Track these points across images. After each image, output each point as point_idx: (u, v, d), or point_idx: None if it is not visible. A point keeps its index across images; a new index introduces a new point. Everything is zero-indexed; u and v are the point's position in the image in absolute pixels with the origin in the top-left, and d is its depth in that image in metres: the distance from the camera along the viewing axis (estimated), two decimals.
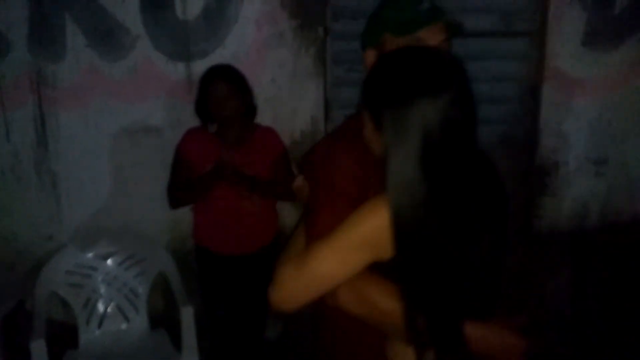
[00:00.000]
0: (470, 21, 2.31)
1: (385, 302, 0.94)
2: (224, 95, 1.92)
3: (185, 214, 2.14)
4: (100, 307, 2.19)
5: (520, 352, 0.95)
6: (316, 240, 0.95)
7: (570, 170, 2.60)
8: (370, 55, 1.14)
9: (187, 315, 2.02)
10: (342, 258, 0.92)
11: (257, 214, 2.02)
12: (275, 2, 2.27)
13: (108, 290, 2.20)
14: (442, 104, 0.86)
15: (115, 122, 2.22)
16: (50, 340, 1.92)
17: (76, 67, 2.15)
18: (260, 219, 2.04)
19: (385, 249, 0.91)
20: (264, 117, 2.33)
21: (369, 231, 0.91)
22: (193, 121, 2.05)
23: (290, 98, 2.38)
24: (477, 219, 0.91)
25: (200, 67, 2.13)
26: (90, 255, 2.20)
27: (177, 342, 2.08)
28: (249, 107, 2.03)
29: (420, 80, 0.88)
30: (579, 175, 2.62)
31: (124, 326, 2.20)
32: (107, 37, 2.15)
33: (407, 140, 0.87)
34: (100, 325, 2.18)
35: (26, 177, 2.20)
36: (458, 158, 0.88)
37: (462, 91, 0.89)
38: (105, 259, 2.22)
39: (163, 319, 2.29)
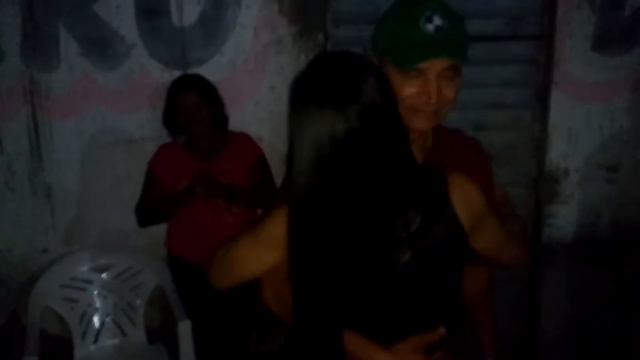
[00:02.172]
0: (477, 25, 2.24)
1: None
2: (192, 106, 1.87)
3: None
4: (96, 321, 2.14)
5: None
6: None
7: (581, 177, 2.52)
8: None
9: (185, 330, 1.97)
10: (254, 251, 1.00)
11: (238, 225, 1.96)
12: (273, 8, 2.22)
13: (104, 304, 2.16)
14: (335, 117, 0.86)
15: (110, 132, 2.18)
16: (44, 356, 1.88)
17: (70, 76, 2.11)
18: (241, 230, 1.98)
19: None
20: (263, 125, 2.29)
21: (273, 231, 0.96)
22: None
23: None
24: (366, 233, 0.90)
25: None
26: (85, 268, 2.16)
27: (175, 356, 2.03)
28: (220, 118, 1.98)
29: (320, 91, 0.88)
30: (590, 182, 2.55)
31: (120, 341, 2.16)
32: (101, 45, 2.11)
33: (301, 147, 0.89)
34: (96, 340, 2.14)
35: (20, 188, 2.16)
36: (356, 169, 0.87)
37: (367, 105, 0.87)
38: (101, 272, 2.17)
39: (161, 333, 2.24)
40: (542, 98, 2.44)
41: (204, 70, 2.11)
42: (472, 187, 0.95)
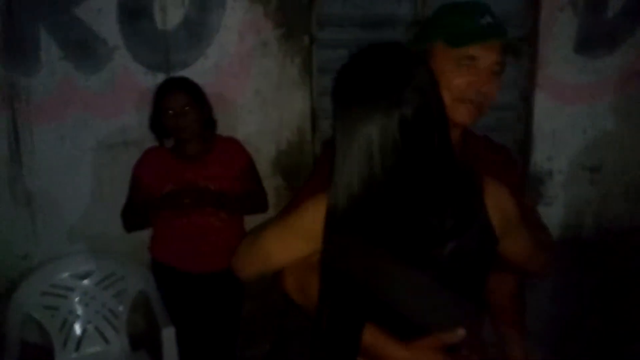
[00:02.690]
0: None
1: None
2: (180, 109, 1.84)
3: None
4: (78, 329, 2.10)
5: None
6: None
7: (565, 178, 2.55)
8: None
9: (169, 336, 1.94)
10: (285, 241, 0.99)
11: (225, 230, 1.94)
12: (258, 11, 2.21)
13: (85, 311, 2.11)
14: (389, 114, 0.85)
15: (93, 136, 2.14)
16: None
17: (51, 80, 2.07)
18: (228, 235, 1.96)
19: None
20: (248, 129, 2.28)
21: (309, 221, 0.94)
22: None
23: (276, 109, 2.31)
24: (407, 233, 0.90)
25: None
26: (66, 275, 2.11)
27: None
28: (208, 121, 1.96)
29: (373, 83, 0.87)
30: (574, 183, 2.57)
31: (103, 348, 2.11)
32: (83, 48, 2.08)
33: (351, 143, 0.87)
34: (77, 347, 2.09)
35: None
36: (406, 166, 0.87)
37: (417, 97, 0.87)
38: (82, 278, 2.13)
39: (144, 340, 2.20)
40: (526, 100, 2.46)
41: (188, 74, 2.09)
42: (506, 194, 0.96)
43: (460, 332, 0.92)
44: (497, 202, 0.94)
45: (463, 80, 1.04)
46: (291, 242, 0.97)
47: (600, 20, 2.41)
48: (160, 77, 2.13)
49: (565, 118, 2.48)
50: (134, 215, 1.97)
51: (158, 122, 1.92)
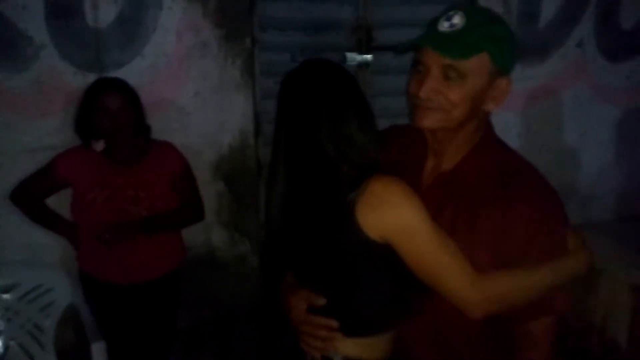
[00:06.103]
0: (398, 35, 2.29)
1: None
2: (116, 109, 1.77)
3: None
4: (0, 346, 1.95)
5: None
6: None
7: None
8: None
9: (99, 351, 1.84)
10: None
11: (155, 238, 1.86)
12: (197, 11, 2.15)
13: (8, 327, 1.97)
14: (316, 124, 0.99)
15: (17, 140, 2.01)
16: None
17: None
18: (160, 244, 1.88)
19: None
20: (187, 132, 2.21)
21: None
22: None
23: (216, 111, 2.26)
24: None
25: None
26: None
27: None
28: (141, 125, 1.88)
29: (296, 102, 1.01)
30: None
31: None
32: (6, 46, 1.95)
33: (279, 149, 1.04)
34: None
35: None
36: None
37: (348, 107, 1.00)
38: (4, 292, 1.99)
39: (73, 356, 2.08)
40: None
41: (122, 74, 2.00)
42: (394, 196, 0.96)
43: (319, 299, 1.07)
44: (375, 201, 0.96)
45: (413, 85, 1.03)
46: None
47: (532, 29, 2.51)
48: (91, 78, 2.03)
49: (501, 124, 2.52)
50: (27, 205, 1.91)
51: (87, 124, 1.82)
